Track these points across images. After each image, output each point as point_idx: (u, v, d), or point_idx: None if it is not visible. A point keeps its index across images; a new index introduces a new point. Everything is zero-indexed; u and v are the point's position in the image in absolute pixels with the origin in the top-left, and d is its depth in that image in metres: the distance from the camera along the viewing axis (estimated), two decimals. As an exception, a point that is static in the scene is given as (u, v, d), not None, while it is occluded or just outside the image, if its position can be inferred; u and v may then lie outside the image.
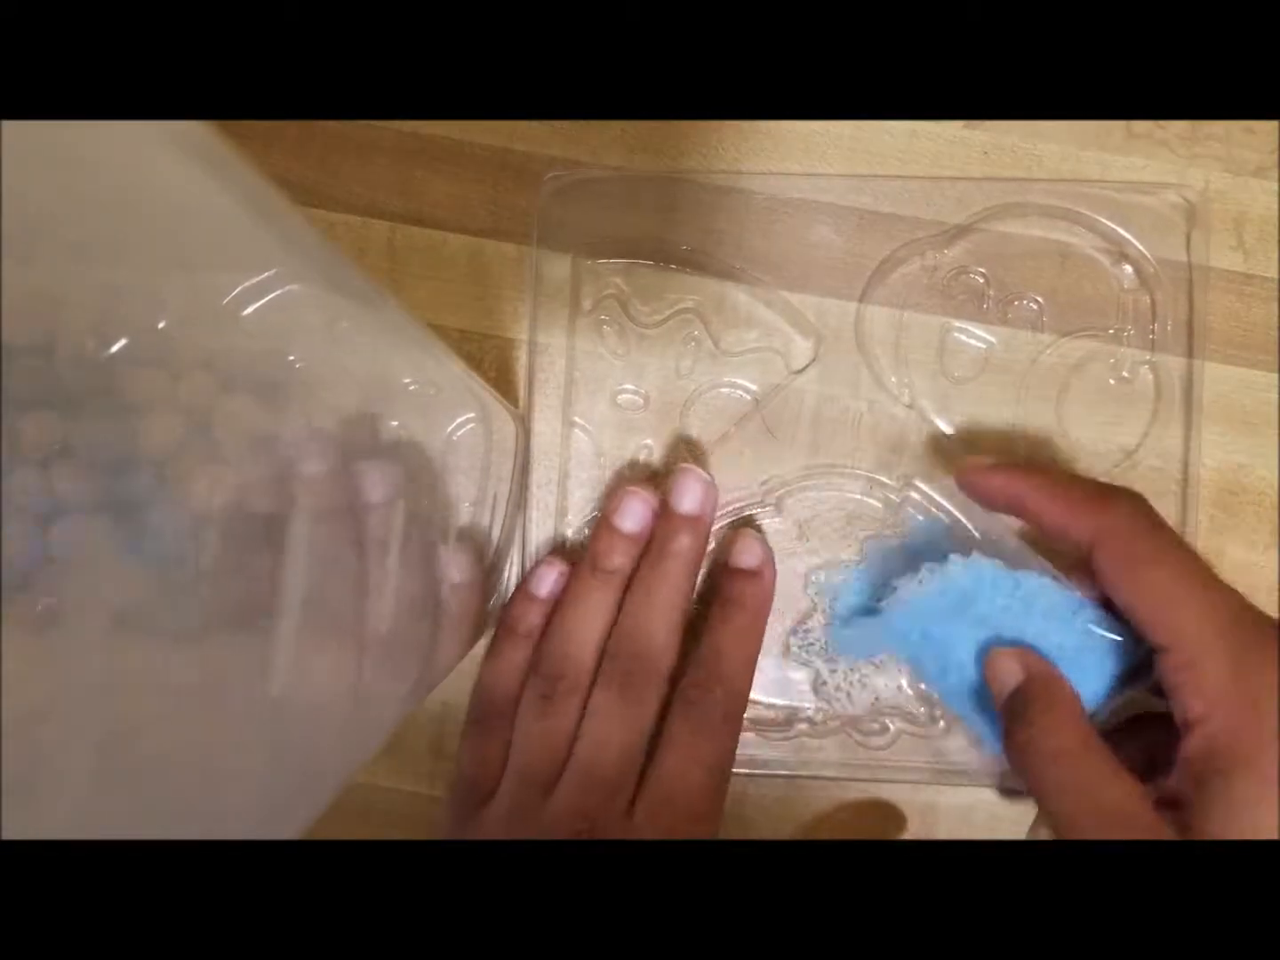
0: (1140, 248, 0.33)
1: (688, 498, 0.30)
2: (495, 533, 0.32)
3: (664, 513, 0.30)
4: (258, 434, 0.20)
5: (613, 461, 0.33)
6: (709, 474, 0.31)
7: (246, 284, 0.18)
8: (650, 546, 0.30)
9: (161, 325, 0.18)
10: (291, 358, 0.21)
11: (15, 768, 0.14)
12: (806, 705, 0.32)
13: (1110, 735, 0.26)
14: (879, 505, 0.33)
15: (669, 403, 0.33)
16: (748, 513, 0.33)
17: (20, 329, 0.16)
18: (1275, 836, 0.21)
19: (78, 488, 0.17)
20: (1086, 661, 0.27)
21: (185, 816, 0.17)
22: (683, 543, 0.30)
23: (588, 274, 0.33)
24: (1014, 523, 0.29)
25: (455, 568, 0.29)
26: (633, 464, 0.33)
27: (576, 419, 0.33)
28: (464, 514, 0.30)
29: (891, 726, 0.32)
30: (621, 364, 0.33)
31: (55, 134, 0.13)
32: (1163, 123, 0.34)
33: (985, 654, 0.27)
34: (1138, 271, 0.33)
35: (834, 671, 0.32)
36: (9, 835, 0.13)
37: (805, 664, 0.32)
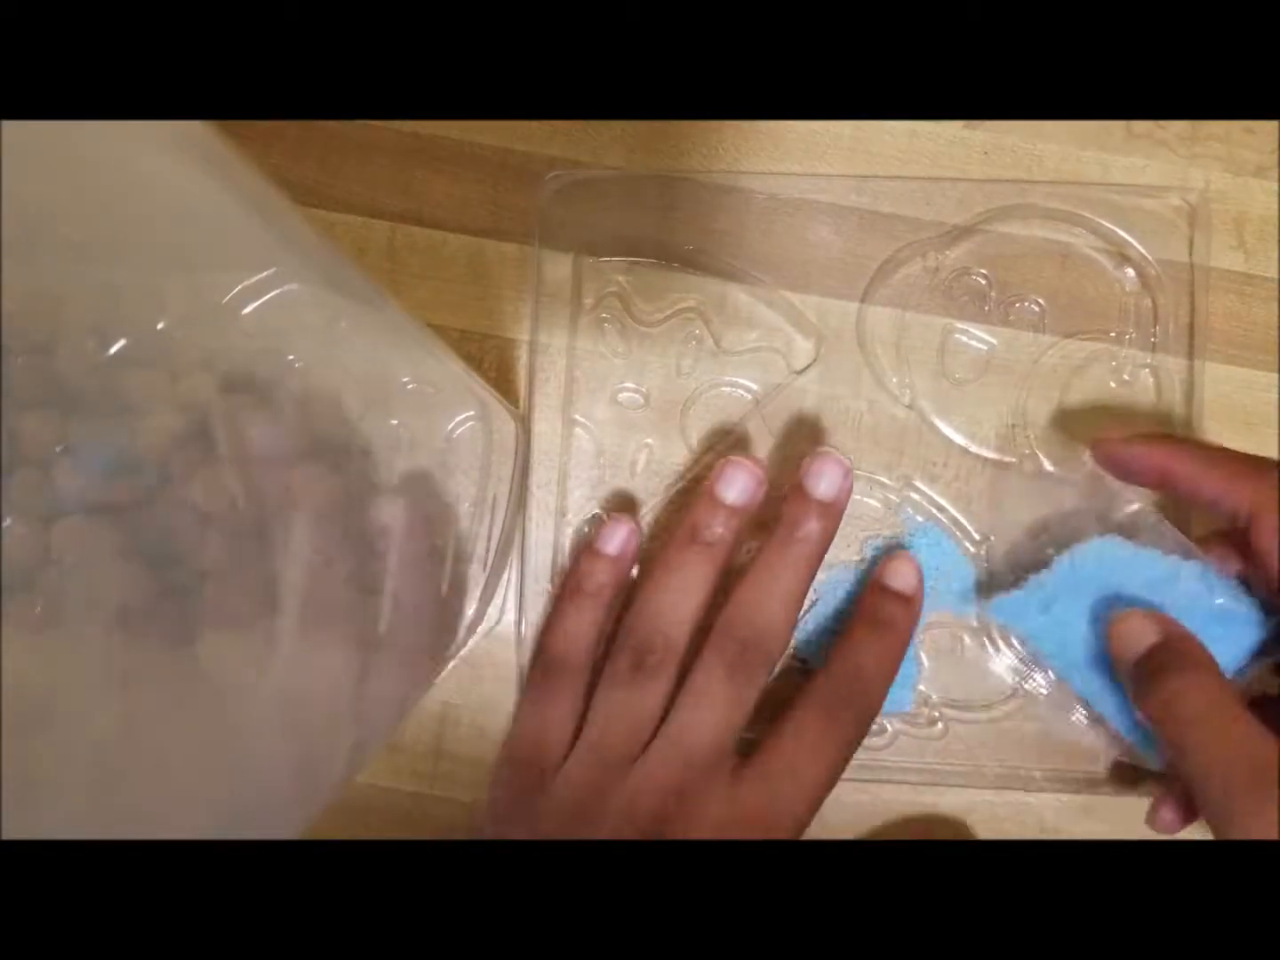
0: (1142, 250, 0.33)
1: (825, 482, 0.29)
2: (495, 533, 0.32)
3: (796, 494, 0.29)
4: (257, 434, 0.20)
5: (612, 460, 0.33)
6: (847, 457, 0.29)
7: (246, 283, 0.18)
8: (780, 526, 0.29)
9: (161, 325, 0.18)
10: (291, 357, 0.21)
11: (15, 768, 0.14)
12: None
13: None
14: (879, 505, 0.33)
15: (669, 401, 0.33)
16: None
17: (20, 329, 0.16)
18: None
19: (78, 488, 0.17)
20: (1219, 633, 0.27)
21: (185, 816, 0.17)
22: (814, 528, 0.28)
23: (590, 272, 0.33)
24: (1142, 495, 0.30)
25: (454, 567, 0.29)
26: (632, 464, 0.33)
27: (577, 417, 0.33)
28: (464, 514, 0.30)
29: (890, 727, 0.32)
30: (622, 362, 0.33)
31: (55, 134, 0.13)
32: (1163, 123, 0.34)
33: (1110, 619, 0.27)
34: (1140, 274, 0.33)
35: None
36: (9, 835, 0.13)
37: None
